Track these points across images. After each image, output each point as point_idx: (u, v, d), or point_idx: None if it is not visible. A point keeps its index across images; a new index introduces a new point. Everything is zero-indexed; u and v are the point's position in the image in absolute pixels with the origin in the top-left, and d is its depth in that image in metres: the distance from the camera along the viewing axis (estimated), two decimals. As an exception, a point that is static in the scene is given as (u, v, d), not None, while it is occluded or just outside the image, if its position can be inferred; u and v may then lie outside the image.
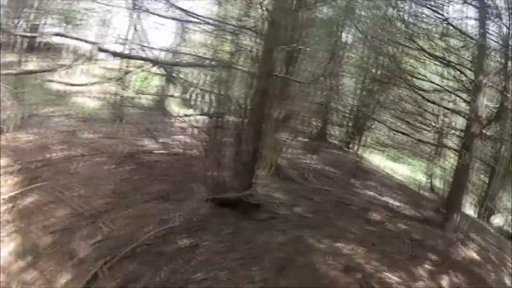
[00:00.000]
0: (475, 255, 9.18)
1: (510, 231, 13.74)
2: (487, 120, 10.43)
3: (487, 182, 14.12)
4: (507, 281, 8.78)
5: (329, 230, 8.63)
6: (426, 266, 7.98)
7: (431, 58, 11.58)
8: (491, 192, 13.75)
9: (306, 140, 14.48)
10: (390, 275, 7.26)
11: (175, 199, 8.64)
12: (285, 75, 9.78)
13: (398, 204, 11.33)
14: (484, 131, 10.18)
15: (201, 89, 9.20)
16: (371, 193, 11.86)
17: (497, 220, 14.66)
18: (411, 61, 13.12)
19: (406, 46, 11.92)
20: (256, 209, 8.54)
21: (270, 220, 8.49)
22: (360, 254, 7.71)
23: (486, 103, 10.11)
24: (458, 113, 11.33)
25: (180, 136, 12.62)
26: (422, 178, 16.26)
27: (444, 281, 7.73)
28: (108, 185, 8.85)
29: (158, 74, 11.61)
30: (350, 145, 17.00)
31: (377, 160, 17.41)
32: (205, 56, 10.83)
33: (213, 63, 9.08)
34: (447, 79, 12.02)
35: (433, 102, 12.16)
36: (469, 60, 10.71)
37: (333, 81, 14.42)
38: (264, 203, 8.98)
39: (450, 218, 10.23)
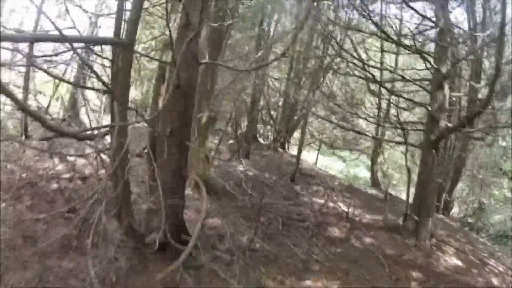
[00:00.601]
0: (456, 261, 8.65)
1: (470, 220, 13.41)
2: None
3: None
4: (495, 281, 8.35)
5: (287, 262, 7.08)
6: None
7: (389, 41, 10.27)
8: (450, 186, 12.31)
9: (234, 143, 12.88)
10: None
11: (79, 250, 5.90)
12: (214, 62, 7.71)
13: (352, 210, 10.16)
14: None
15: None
16: (320, 200, 10.74)
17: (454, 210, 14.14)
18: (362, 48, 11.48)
19: (360, 31, 10.54)
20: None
21: (211, 264, 6.30)
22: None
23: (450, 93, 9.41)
24: (421, 105, 10.15)
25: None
26: (362, 174, 14.58)
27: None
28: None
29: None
30: (284, 145, 15.64)
31: (311, 157, 16.22)
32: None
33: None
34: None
35: (391, 92, 10.88)
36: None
37: (260, 74, 12.50)
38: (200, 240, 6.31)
39: (423, 224, 9.08)
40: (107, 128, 5.11)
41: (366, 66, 10.00)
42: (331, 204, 10.47)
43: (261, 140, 15.63)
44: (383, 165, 15.32)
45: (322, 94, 13.67)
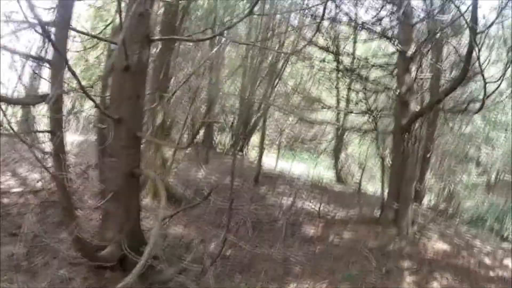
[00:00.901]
0: (443, 246, 8.28)
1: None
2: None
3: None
4: (487, 260, 8.08)
5: (265, 267, 6.38)
6: (408, 278, 6.76)
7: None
8: (420, 175, 11.91)
9: (191, 151, 11.78)
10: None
11: (29, 271, 4.81)
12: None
13: (322, 207, 9.64)
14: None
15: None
16: (288, 200, 10.02)
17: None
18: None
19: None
20: (153, 261, 4.85)
21: (176, 279, 5.41)
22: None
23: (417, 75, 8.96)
24: (390, 89, 9.80)
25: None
26: (324, 173, 14.05)
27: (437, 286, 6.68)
28: None
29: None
30: (242, 149, 14.84)
31: (270, 161, 15.09)
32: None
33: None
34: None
35: (363, 78, 10.31)
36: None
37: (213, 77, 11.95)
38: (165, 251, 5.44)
39: (404, 212, 8.50)
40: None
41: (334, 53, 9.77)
42: (300, 204, 9.87)
43: (219, 147, 14.71)
44: (347, 160, 14.73)
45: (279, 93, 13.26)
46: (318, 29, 8.03)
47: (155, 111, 7.98)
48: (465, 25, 10.11)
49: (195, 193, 9.09)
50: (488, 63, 7.23)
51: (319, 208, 9.34)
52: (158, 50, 7.97)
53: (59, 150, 4.06)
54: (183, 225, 7.40)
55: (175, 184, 9.08)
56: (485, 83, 6.82)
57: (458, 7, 7.59)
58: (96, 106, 4.50)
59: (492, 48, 8.07)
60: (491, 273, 7.58)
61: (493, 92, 7.39)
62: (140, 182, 5.99)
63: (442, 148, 14.24)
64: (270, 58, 13.06)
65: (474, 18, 6.33)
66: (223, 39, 10.56)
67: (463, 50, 9.65)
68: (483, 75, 6.72)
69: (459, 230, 10.09)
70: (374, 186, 14.65)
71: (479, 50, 6.59)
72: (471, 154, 15.89)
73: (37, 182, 7.30)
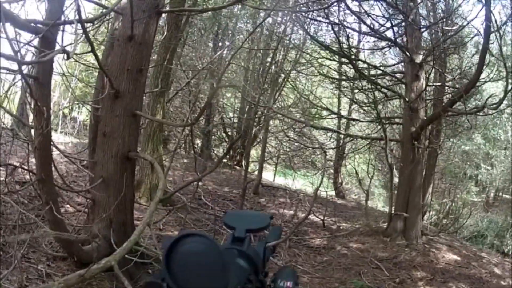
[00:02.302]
0: (454, 256, 7.94)
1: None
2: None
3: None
4: (497, 271, 7.77)
5: None
6: (424, 287, 6.37)
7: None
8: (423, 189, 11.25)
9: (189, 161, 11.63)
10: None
11: (5, 263, 4.00)
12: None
13: (327, 218, 9.26)
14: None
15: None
16: (289, 211, 9.75)
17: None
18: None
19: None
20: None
21: None
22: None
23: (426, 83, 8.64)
24: (400, 96, 9.31)
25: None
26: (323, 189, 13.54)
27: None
28: None
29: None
30: (241, 162, 14.29)
31: (268, 177, 14.95)
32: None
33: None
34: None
35: (377, 85, 9.70)
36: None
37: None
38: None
39: (413, 222, 8.15)
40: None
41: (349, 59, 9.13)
42: (302, 215, 9.20)
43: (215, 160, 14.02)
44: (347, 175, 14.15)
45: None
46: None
47: (156, 107, 7.27)
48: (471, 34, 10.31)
49: (192, 199, 8.26)
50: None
51: (323, 219, 8.86)
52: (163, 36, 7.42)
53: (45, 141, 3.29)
54: (177, 229, 6.80)
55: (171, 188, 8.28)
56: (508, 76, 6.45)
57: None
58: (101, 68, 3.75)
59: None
60: (503, 283, 7.29)
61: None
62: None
63: (444, 165, 13.90)
64: (274, 67, 12.60)
65: (488, 18, 6.03)
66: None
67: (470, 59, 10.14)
68: (506, 67, 6.49)
69: (464, 243, 9.80)
70: (373, 202, 14.18)
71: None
72: (471, 172, 15.63)
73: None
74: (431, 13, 10.04)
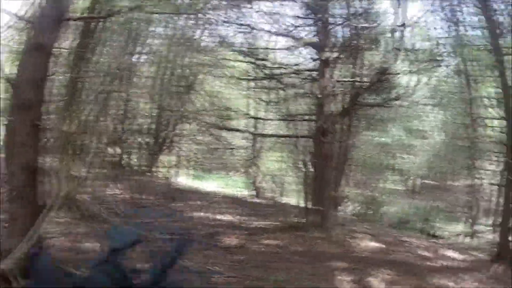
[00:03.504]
0: (375, 244, 8.18)
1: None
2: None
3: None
4: (425, 253, 8.06)
5: (190, 280, 5.22)
6: (347, 278, 6.15)
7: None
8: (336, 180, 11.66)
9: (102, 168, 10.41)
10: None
11: None
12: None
13: (241, 218, 9.39)
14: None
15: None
16: (205, 214, 9.56)
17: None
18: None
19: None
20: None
21: None
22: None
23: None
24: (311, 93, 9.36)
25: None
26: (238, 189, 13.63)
27: (381, 281, 6.17)
28: None
29: None
30: (152, 168, 13.96)
31: (183, 181, 14.63)
32: None
33: None
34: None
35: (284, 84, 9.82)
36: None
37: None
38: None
39: (329, 216, 8.34)
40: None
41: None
42: (217, 216, 9.50)
43: (130, 166, 13.64)
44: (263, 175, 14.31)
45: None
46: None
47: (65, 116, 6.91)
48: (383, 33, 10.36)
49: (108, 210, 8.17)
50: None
51: (238, 219, 9.15)
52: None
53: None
54: (94, 241, 6.28)
55: (88, 200, 8.13)
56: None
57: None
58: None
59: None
60: (431, 264, 7.50)
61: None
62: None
63: (359, 156, 14.16)
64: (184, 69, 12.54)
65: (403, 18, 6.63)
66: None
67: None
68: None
69: (386, 230, 10.20)
70: (289, 197, 14.49)
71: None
72: (389, 161, 16.08)
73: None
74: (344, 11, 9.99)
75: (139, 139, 13.91)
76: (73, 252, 5.60)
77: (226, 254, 6.95)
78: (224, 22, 9.63)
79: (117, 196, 9.52)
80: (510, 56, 8.17)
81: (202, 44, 11.60)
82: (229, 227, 8.58)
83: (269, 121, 13.19)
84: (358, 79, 10.19)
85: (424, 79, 7.61)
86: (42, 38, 3.84)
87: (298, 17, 9.28)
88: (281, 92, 9.95)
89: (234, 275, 5.94)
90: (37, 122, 3.99)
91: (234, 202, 11.25)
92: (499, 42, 8.04)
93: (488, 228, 13.17)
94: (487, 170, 14.72)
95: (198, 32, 11.65)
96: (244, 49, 10.01)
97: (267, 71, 9.89)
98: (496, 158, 11.68)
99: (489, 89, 11.70)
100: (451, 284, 6.45)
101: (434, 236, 12.83)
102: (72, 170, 7.54)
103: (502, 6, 8.79)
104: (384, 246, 8.12)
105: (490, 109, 10.30)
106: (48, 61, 4.04)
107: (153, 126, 13.81)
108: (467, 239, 12.41)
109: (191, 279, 5.42)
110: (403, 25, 6.65)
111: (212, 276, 5.78)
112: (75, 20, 4.91)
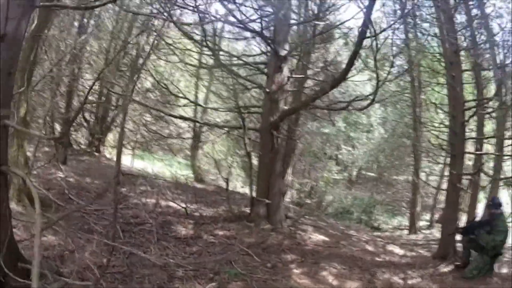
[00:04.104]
0: (322, 237, 8.53)
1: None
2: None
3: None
4: (369, 247, 8.49)
5: (148, 273, 5.72)
6: (296, 271, 6.55)
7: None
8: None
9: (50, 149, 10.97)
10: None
11: None
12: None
13: (189, 205, 9.32)
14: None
15: None
16: (151, 200, 9.43)
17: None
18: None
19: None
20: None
21: None
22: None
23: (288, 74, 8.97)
24: (261, 87, 9.50)
25: None
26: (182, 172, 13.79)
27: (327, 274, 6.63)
28: None
29: None
30: (99, 148, 13.86)
31: (126, 161, 14.65)
32: None
33: None
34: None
35: (236, 74, 9.73)
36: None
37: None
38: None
39: (276, 206, 8.65)
40: None
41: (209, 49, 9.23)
42: (164, 203, 9.48)
43: (74, 146, 13.40)
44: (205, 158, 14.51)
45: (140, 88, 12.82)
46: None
47: (20, 100, 6.79)
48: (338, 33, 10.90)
49: (57, 195, 8.02)
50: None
51: (186, 207, 9.08)
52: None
53: None
54: (51, 232, 6.33)
55: (38, 185, 7.92)
56: (378, 81, 7.18)
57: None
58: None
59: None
60: (378, 259, 7.82)
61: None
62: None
63: (303, 147, 14.55)
64: (133, 52, 12.52)
65: (366, 24, 6.35)
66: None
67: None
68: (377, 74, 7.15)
69: (331, 222, 10.47)
70: (233, 184, 14.64)
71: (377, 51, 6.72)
72: (332, 153, 16.62)
73: None
74: (302, 9, 10.42)
75: (88, 119, 13.82)
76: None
77: (179, 244, 7.11)
78: (177, 5, 9.54)
79: (64, 180, 9.14)
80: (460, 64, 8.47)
81: (152, 24, 11.39)
82: (177, 215, 8.67)
83: (216, 111, 13.46)
84: (311, 76, 10.59)
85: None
86: (7, 27, 3.51)
87: (255, 8, 9.31)
88: (231, 82, 10.03)
89: (190, 267, 6.02)
90: (5, 122, 3.75)
91: (178, 187, 11.32)
92: (449, 49, 8.29)
93: (428, 223, 14.20)
94: (428, 169, 15.60)
95: (149, 11, 11.17)
96: (196, 35, 10.02)
97: (218, 60, 9.87)
98: (437, 159, 12.41)
99: (435, 94, 12.49)
100: (394, 278, 6.82)
101: (377, 229, 13.58)
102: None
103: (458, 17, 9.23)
104: (331, 239, 8.45)
105: (433, 113, 10.78)
106: (13, 52, 3.69)
107: (100, 106, 13.59)
108: (407, 233, 13.06)
109: (155, 272, 5.77)
110: (375, 35, 6.82)
111: (172, 268, 5.95)
112: (41, 7, 4.58)
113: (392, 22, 8.09)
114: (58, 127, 12.20)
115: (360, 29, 6.45)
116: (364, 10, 6.40)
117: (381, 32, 7.36)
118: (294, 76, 9.54)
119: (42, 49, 8.86)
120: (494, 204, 7.04)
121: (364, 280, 6.69)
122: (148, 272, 5.79)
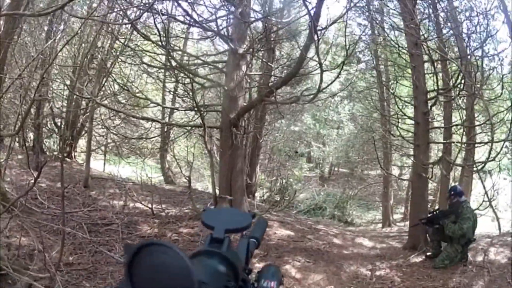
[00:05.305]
0: (287, 232, 8.69)
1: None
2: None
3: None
4: (337, 241, 8.62)
5: (112, 270, 6.06)
6: (258, 264, 6.48)
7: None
8: (250, 170, 12.71)
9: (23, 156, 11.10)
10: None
11: None
12: None
13: (156, 206, 9.62)
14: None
15: None
16: (119, 202, 9.71)
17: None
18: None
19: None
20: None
21: None
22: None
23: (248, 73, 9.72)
24: (219, 85, 10.04)
25: None
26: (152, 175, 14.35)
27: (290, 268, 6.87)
28: None
29: None
30: (71, 154, 14.24)
31: (98, 165, 15.16)
32: None
33: None
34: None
35: (192, 73, 9.96)
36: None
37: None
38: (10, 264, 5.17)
39: (239, 203, 9.04)
40: None
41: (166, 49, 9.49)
42: (131, 204, 9.96)
43: (47, 151, 13.87)
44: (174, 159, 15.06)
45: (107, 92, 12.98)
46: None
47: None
48: (300, 30, 11.13)
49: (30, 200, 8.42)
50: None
51: (152, 207, 9.47)
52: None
53: None
54: (22, 234, 6.86)
55: (11, 191, 8.44)
56: (322, 72, 7.20)
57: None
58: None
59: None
60: (345, 251, 8.09)
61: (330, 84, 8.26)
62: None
63: (271, 144, 14.96)
64: (100, 55, 12.63)
65: (317, 16, 6.51)
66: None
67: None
68: (321, 65, 7.11)
69: (299, 218, 10.63)
70: (202, 184, 15.01)
71: (318, 45, 6.90)
72: (302, 150, 16.80)
73: None
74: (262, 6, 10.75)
75: (58, 124, 14.20)
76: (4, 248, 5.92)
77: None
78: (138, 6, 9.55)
79: (37, 186, 9.68)
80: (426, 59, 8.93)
81: (116, 27, 11.70)
82: (144, 216, 9.10)
83: (178, 111, 13.99)
84: (270, 73, 10.97)
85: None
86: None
87: (212, 8, 9.63)
88: (190, 82, 10.14)
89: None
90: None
91: (147, 189, 11.65)
92: (410, 41, 8.66)
93: (402, 216, 14.79)
94: (399, 163, 16.10)
95: (113, 15, 11.57)
96: (155, 36, 10.31)
97: (177, 61, 10.04)
98: (408, 152, 12.67)
99: (402, 89, 13.11)
100: (361, 270, 7.10)
101: (350, 223, 14.05)
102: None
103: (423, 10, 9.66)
104: (297, 234, 8.71)
105: (401, 108, 10.96)
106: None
107: (69, 111, 13.81)
108: (381, 227, 13.66)
109: (118, 269, 6.26)
110: (326, 27, 6.99)
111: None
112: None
113: (342, 13, 8.08)
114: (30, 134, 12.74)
115: (309, 22, 6.70)
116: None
117: (331, 24, 7.73)
118: (250, 73, 9.93)
119: (12, 55, 9.31)
120: (457, 192, 7.28)
121: (329, 273, 6.90)
122: (112, 269, 6.25)
